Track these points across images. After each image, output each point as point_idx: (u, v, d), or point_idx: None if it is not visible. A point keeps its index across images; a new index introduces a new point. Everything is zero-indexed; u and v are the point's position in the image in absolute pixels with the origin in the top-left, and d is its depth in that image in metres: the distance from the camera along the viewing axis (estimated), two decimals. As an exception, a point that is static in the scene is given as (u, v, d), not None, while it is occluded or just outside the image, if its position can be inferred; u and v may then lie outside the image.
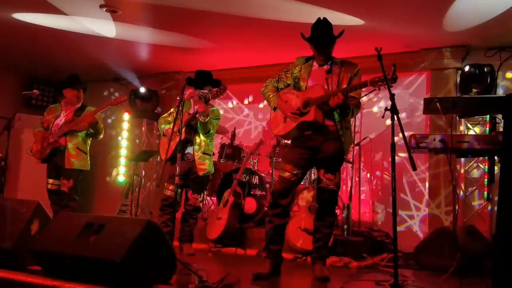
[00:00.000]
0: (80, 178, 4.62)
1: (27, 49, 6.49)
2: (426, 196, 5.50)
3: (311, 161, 3.34)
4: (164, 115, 4.60)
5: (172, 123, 4.38)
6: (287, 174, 3.30)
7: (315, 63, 3.36)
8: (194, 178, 4.33)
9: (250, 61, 6.31)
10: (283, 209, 3.31)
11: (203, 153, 4.31)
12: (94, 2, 4.68)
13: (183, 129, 4.17)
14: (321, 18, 3.29)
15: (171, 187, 4.28)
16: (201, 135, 4.28)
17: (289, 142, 3.98)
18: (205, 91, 4.15)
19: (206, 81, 4.25)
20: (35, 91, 5.07)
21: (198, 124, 4.20)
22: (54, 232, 2.80)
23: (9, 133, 4.70)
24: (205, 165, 4.32)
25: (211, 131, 4.32)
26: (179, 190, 4.33)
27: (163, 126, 4.44)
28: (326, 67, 3.33)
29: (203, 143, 4.31)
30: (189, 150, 4.31)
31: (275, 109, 3.43)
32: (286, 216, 3.38)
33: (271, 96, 3.46)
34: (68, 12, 4.94)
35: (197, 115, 4.16)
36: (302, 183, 5.15)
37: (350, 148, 4.95)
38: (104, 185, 7.57)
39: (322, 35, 3.23)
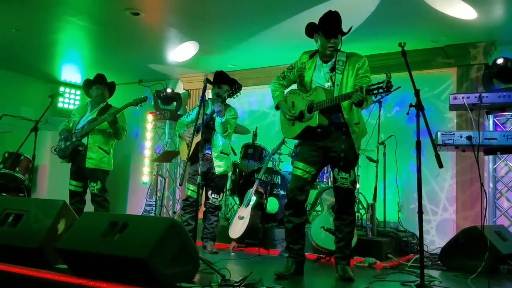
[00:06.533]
0: (107, 179, 4.64)
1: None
2: (453, 195, 5.38)
3: (323, 158, 3.30)
4: (182, 118, 4.67)
5: (189, 126, 4.46)
6: (299, 172, 3.27)
7: (319, 60, 3.29)
8: (213, 178, 4.39)
9: (271, 61, 6.31)
10: (298, 207, 3.28)
11: (221, 152, 4.36)
12: (118, 5, 4.76)
13: (201, 129, 4.24)
14: (332, 11, 3.20)
15: (191, 187, 4.34)
16: (219, 135, 4.33)
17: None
18: (221, 91, 4.22)
19: (224, 80, 4.39)
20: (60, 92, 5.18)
21: (216, 123, 4.24)
22: (79, 231, 2.84)
23: (36, 134, 4.80)
24: (222, 165, 4.38)
25: (229, 131, 4.37)
26: (200, 190, 4.37)
27: (181, 131, 4.51)
28: (330, 63, 3.25)
29: (220, 143, 4.36)
30: (207, 150, 4.37)
31: (277, 108, 3.43)
32: (303, 214, 3.34)
33: (275, 95, 3.46)
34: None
35: (213, 115, 4.21)
36: (325, 182, 5.18)
37: (375, 147, 4.90)
38: (129, 185, 7.69)
39: (332, 24, 3.15)
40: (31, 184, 5.98)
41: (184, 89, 7.38)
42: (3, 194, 5.77)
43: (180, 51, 6.11)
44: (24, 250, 2.92)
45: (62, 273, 2.68)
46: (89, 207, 4.65)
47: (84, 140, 4.52)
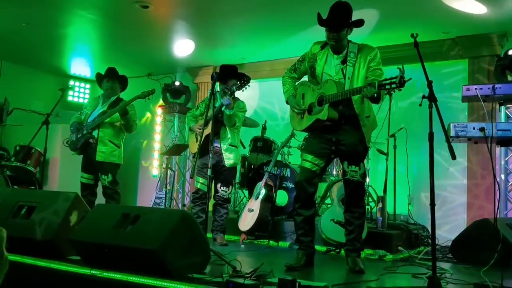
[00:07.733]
0: (117, 171, 4.68)
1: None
2: (465, 188, 5.33)
3: (332, 151, 3.28)
4: (192, 110, 4.67)
5: (199, 119, 4.46)
6: (308, 164, 3.26)
7: (330, 51, 3.24)
8: (222, 171, 4.39)
9: (281, 54, 6.28)
10: (307, 200, 3.28)
11: (230, 145, 4.36)
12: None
13: (210, 122, 4.23)
14: (342, 1, 3.12)
15: (200, 179, 4.35)
16: (227, 128, 4.33)
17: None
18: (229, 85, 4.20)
19: (231, 75, 4.35)
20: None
21: (224, 116, 4.24)
22: (92, 222, 2.87)
23: (47, 128, 4.84)
24: (232, 157, 4.38)
25: (237, 124, 4.39)
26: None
27: (191, 124, 4.51)
28: (341, 55, 3.20)
29: (229, 136, 4.36)
30: (216, 143, 4.35)
31: (288, 103, 3.40)
32: (312, 206, 3.34)
33: (284, 90, 3.44)
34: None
35: (222, 108, 4.21)
36: (335, 175, 5.16)
37: (385, 140, 4.87)
38: (139, 177, 7.73)
39: (335, 18, 3.08)
40: (42, 177, 6.04)
41: (193, 82, 7.38)
42: (15, 186, 5.83)
43: (188, 45, 6.08)
44: (37, 242, 2.95)
45: (75, 264, 2.70)
46: (100, 199, 4.69)
47: (95, 133, 4.55)
